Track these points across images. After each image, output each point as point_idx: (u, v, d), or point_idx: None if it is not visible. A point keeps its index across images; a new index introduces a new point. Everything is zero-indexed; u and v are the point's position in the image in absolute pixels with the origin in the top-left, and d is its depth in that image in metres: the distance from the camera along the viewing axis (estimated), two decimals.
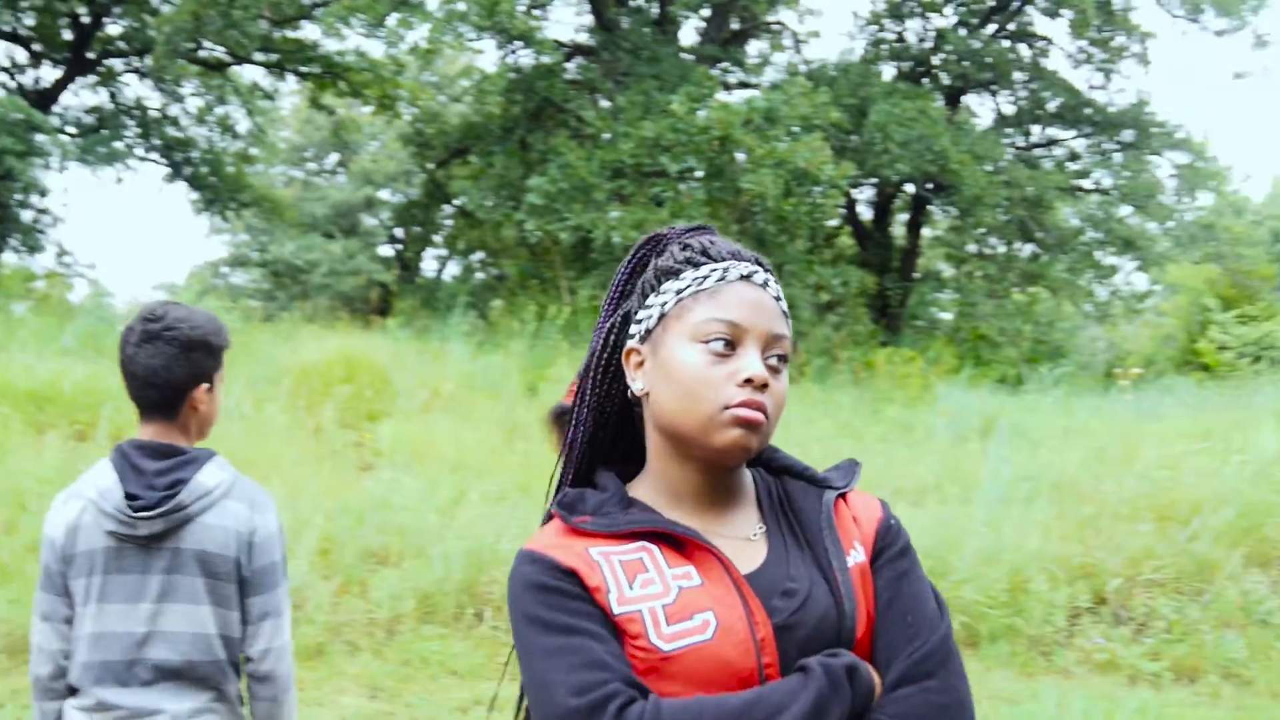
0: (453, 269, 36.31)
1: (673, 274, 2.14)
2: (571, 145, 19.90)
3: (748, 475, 2.24)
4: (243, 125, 30.87)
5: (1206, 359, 24.76)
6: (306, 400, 12.67)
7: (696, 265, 2.13)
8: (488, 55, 39.05)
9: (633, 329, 2.19)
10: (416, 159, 29.94)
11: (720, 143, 18.83)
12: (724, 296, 2.09)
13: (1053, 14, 27.59)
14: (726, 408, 2.05)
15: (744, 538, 2.14)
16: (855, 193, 27.41)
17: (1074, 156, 29.34)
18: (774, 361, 2.10)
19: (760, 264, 2.18)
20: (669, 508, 2.15)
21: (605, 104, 22.04)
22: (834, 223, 27.50)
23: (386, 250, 40.40)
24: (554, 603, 2.02)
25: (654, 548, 2.07)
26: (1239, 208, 48.19)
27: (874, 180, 26.24)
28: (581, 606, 2.01)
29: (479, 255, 32.69)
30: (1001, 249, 28.30)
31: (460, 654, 8.30)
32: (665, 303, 2.13)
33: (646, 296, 2.17)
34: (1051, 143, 29.79)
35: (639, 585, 2.02)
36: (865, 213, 29.38)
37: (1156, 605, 9.43)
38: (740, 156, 19.08)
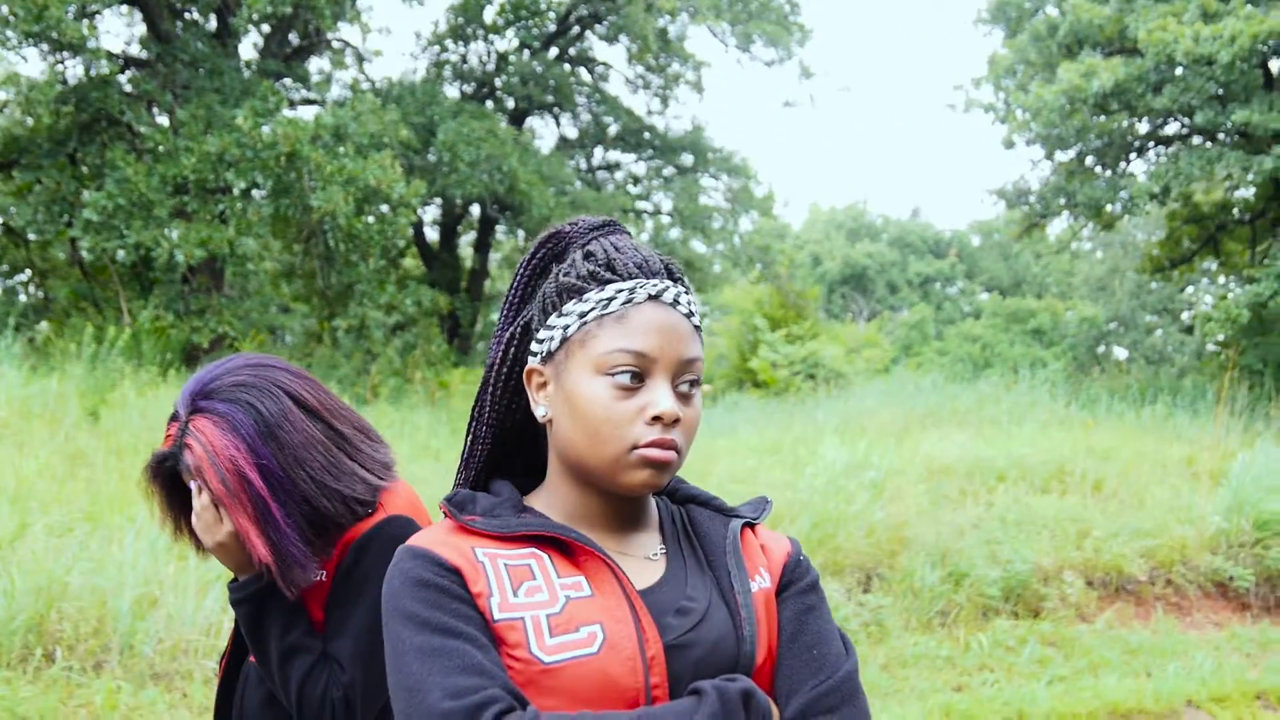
0: None
1: (575, 292, 1.99)
2: (130, 159, 18.99)
3: (651, 501, 2.12)
4: None
5: (762, 376, 25.79)
6: None
7: (602, 283, 1.98)
8: (32, 64, 37.01)
9: (534, 346, 2.04)
10: None
11: (287, 159, 18.35)
12: (631, 322, 1.95)
13: (611, 40, 28.29)
14: (635, 447, 1.92)
15: (642, 556, 2.03)
16: (421, 213, 27.31)
17: (635, 180, 30.14)
18: (685, 388, 1.97)
19: (671, 274, 2.03)
20: (565, 522, 2.02)
21: (163, 119, 21.18)
22: (399, 243, 27.37)
23: None
24: (435, 600, 1.87)
25: (544, 555, 1.94)
26: (781, 233, 50.74)
27: (439, 200, 26.25)
28: (462, 609, 1.87)
29: (24, 276, 30.91)
30: None
31: (29, 698, 7.68)
32: (568, 325, 1.98)
33: (548, 314, 2.02)
34: (613, 166, 30.51)
35: (523, 593, 1.89)
36: (431, 233, 29.34)
37: None
38: (309, 173, 18.63)
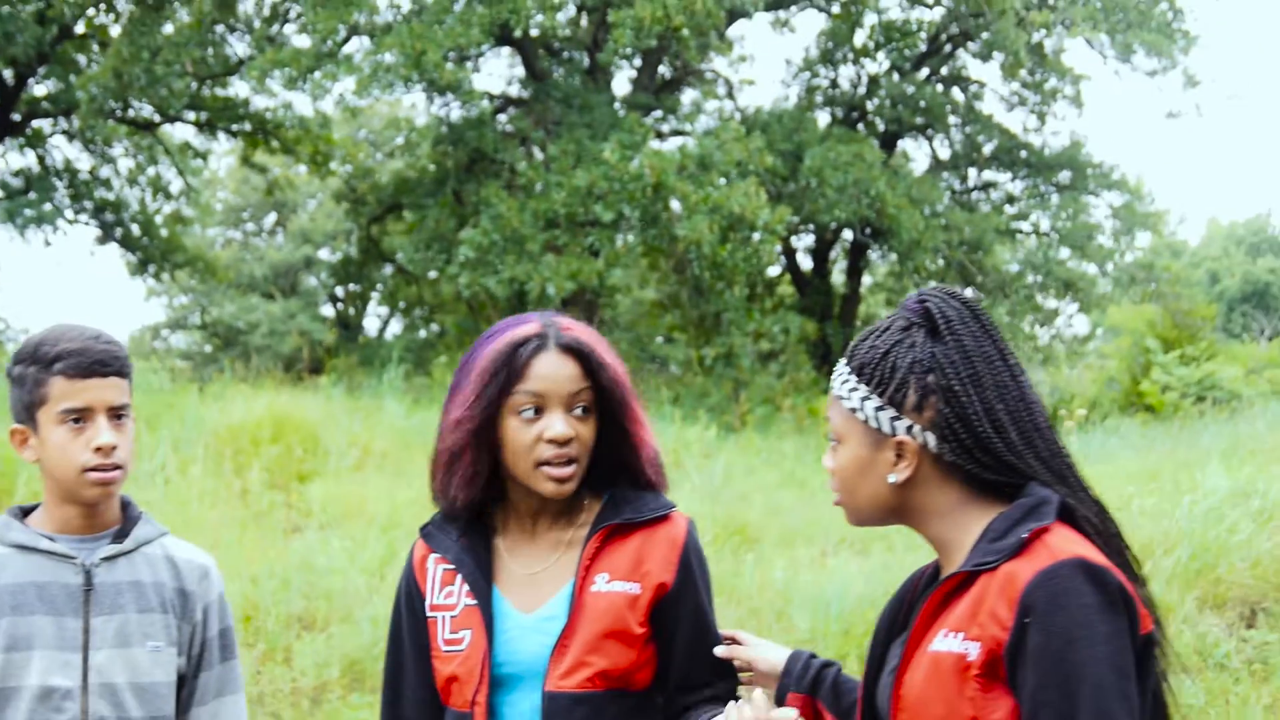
0: (395, 327, 36.15)
1: None
2: (503, 196, 19.64)
3: None
4: (175, 186, 30.48)
5: (1151, 400, 24.67)
6: (233, 462, 12.28)
7: None
8: (418, 108, 38.81)
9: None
10: (351, 215, 29.64)
11: (654, 190, 18.60)
12: None
13: (985, 57, 27.61)
14: None
15: None
16: (794, 241, 27.31)
17: (1011, 199, 29.35)
18: None
19: None
20: None
21: (537, 155, 21.83)
22: (774, 271, 27.42)
23: (328, 310, 40.08)
24: None
25: None
26: (1177, 250, 48.66)
27: (811, 227, 26.15)
28: None
29: (420, 312, 32.49)
30: None
31: None
32: None
33: None
34: (988, 185, 29.79)
35: None
36: (805, 261, 29.27)
37: None
38: (675, 204, 18.85)
